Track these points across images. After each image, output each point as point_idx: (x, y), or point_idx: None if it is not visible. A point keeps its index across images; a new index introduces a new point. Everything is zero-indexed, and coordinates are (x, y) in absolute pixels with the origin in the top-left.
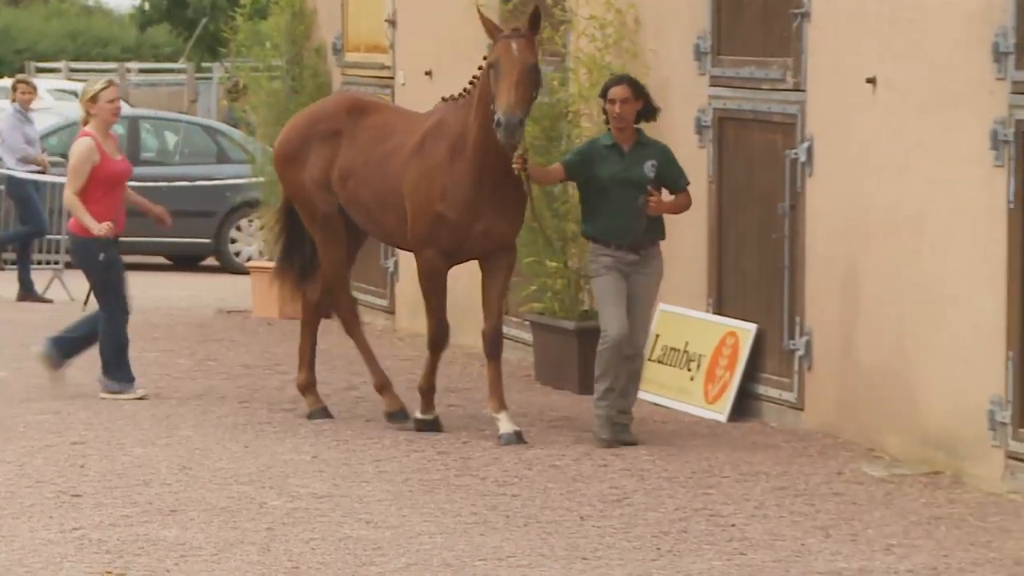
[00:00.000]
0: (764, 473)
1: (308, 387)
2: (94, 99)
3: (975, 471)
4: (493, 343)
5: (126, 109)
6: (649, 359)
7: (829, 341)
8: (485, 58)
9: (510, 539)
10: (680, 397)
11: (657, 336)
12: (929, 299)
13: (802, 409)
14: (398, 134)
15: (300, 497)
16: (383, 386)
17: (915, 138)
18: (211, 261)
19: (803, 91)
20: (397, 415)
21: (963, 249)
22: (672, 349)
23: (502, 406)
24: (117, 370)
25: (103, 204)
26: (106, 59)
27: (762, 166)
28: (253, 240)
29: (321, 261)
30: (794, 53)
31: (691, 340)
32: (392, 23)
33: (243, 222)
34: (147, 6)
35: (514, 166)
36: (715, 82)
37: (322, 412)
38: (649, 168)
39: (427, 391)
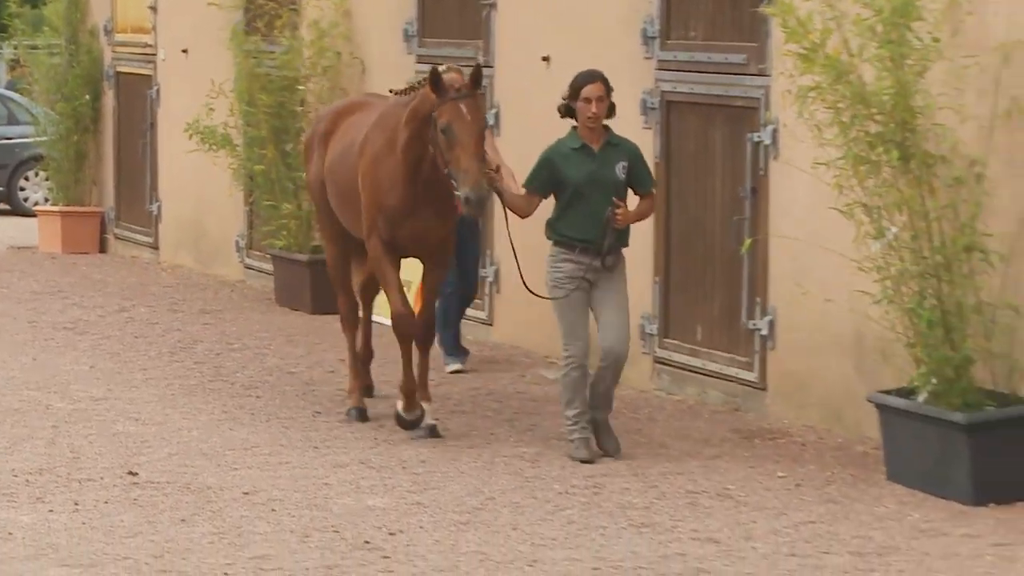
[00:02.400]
0: (459, 378)
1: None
2: None
3: (630, 373)
4: (424, 333)
5: None
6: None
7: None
8: (401, 91)
9: (255, 432)
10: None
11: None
12: None
13: (492, 325)
14: (358, 131)
15: (80, 400)
16: (353, 390)
17: None
18: (3, 206)
19: (492, 67)
20: (352, 412)
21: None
22: None
23: (425, 398)
24: None
25: None
26: None
27: None
28: (39, 188)
29: (326, 256)
30: (484, 36)
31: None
32: (154, 9)
33: (30, 173)
34: None
35: (490, 185)
36: (420, 59)
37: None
38: (620, 170)
39: (407, 388)
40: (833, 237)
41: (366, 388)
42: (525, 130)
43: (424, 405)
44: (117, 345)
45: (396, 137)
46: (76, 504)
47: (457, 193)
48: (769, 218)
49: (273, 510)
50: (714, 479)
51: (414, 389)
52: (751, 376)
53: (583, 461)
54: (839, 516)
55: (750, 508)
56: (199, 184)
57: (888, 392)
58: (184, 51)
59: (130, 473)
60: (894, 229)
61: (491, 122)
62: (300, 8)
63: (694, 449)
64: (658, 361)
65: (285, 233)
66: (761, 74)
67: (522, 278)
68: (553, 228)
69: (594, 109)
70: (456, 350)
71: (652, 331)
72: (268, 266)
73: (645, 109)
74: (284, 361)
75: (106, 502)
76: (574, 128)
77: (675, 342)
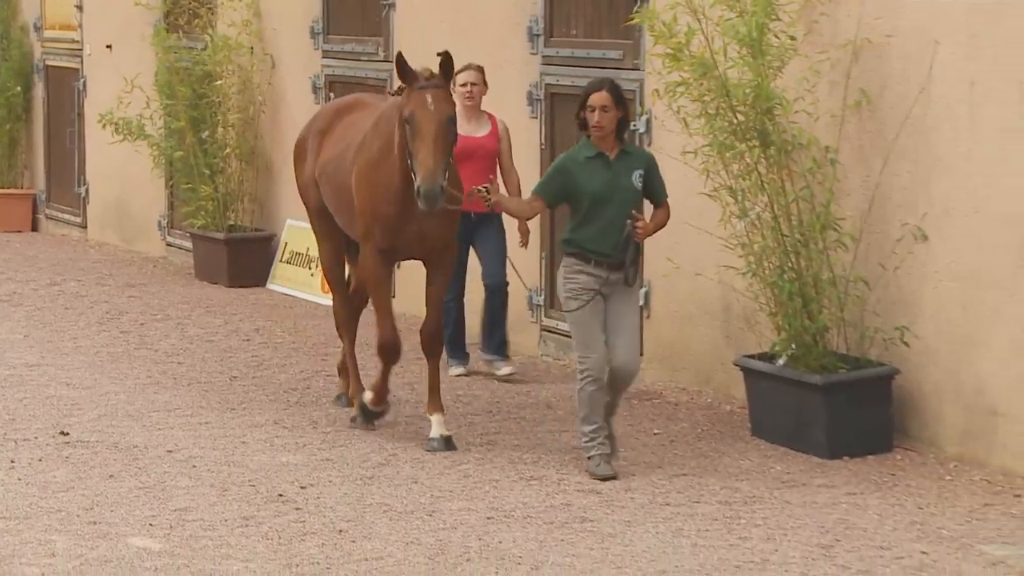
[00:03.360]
0: (363, 344)
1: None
2: None
3: (519, 340)
4: (431, 342)
5: None
6: (280, 260)
7: None
8: (397, 92)
9: (177, 395)
10: (303, 289)
11: (286, 243)
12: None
13: (393, 296)
14: (356, 131)
15: (15, 367)
16: (355, 394)
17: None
18: None
19: (391, 62)
20: (340, 396)
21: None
22: (297, 253)
23: (437, 408)
24: None
25: None
26: None
27: None
28: None
29: (319, 255)
30: (385, 34)
31: (311, 247)
32: (80, 8)
33: None
34: None
35: (485, 205)
36: (326, 55)
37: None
38: (637, 179)
39: (379, 388)
40: (702, 217)
41: (344, 393)
42: None
43: (435, 417)
44: (49, 316)
45: (390, 139)
46: (12, 462)
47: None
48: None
49: (194, 466)
50: None
51: (385, 390)
52: None
53: (604, 478)
54: (709, 469)
55: (629, 462)
56: (123, 169)
57: (752, 357)
58: (108, 46)
59: (62, 433)
60: (757, 210)
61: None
62: (216, 8)
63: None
64: (544, 329)
65: (203, 213)
66: (636, 68)
67: (523, 282)
68: (568, 239)
69: (596, 118)
70: (458, 353)
71: (539, 302)
72: (188, 244)
73: (531, 100)
74: (203, 330)
75: (40, 460)
76: (587, 136)
77: (560, 312)
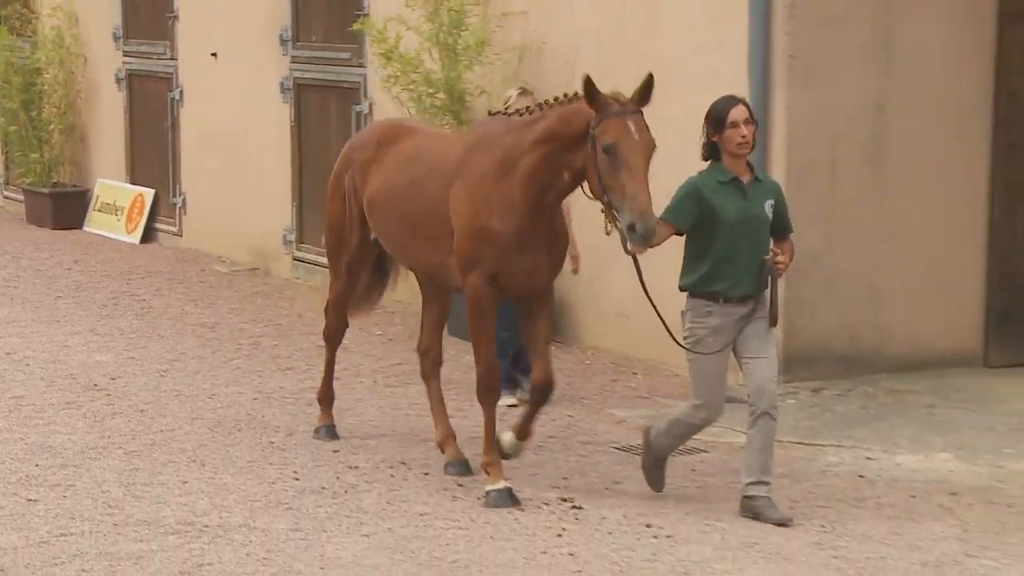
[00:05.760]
0: (159, 272)
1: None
2: None
3: (276, 267)
4: (544, 391)
5: None
6: (94, 210)
7: (195, 197)
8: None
9: (13, 311)
10: (112, 231)
11: (98, 196)
12: (242, 176)
13: (180, 236)
14: (431, 156)
15: None
16: (323, 399)
17: (248, 88)
18: None
19: (176, 60)
20: (322, 431)
21: (272, 150)
22: (107, 203)
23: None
24: None
25: None
26: None
27: (158, 102)
28: None
29: (331, 286)
30: (171, 38)
31: (117, 198)
32: None
33: None
34: None
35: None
36: (126, 54)
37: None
38: (768, 208)
39: (492, 461)
40: None
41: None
42: (201, 102)
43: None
44: None
45: (510, 159)
46: None
47: (618, 224)
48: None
49: (28, 364)
50: None
51: (497, 462)
52: None
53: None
54: (417, 359)
55: (360, 356)
56: None
57: None
58: None
59: None
60: None
61: (177, 97)
62: (39, 14)
63: (319, 317)
64: (296, 259)
65: (32, 174)
66: (361, 66)
67: (671, 334)
68: (693, 275)
69: (744, 132)
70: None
71: (291, 239)
72: (20, 197)
73: (283, 90)
74: (33, 262)
75: None
76: (715, 161)
77: (307, 245)
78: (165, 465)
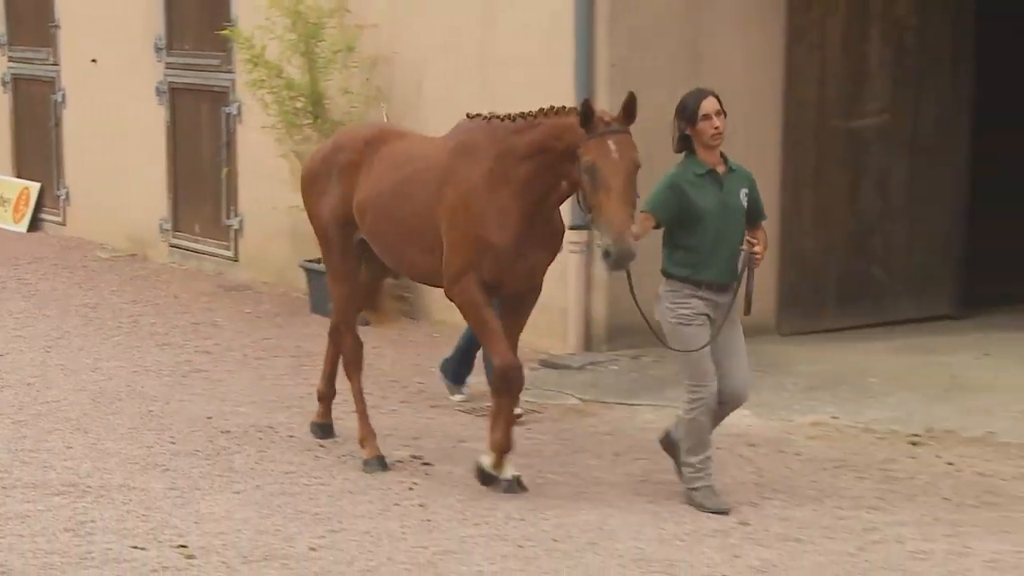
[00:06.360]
0: (44, 258)
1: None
2: None
3: (154, 253)
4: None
5: None
6: None
7: (78, 190)
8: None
9: None
10: (0, 221)
11: None
12: (121, 171)
13: (64, 225)
14: (416, 160)
15: None
16: (364, 438)
17: (126, 91)
18: None
19: (58, 65)
20: (372, 463)
21: (148, 146)
22: None
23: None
24: None
25: None
26: None
27: (42, 104)
28: None
29: (331, 295)
30: (53, 45)
31: (4, 191)
32: None
33: None
34: None
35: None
36: (11, 60)
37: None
38: (743, 197)
39: (501, 448)
40: (278, 171)
41: (327, 420)
42: (85, 106)
43: (504, 463)
44: None
45: (502, 169)
46: None
47: (598, 244)
48: (238, 157)
49: None
50: (210, 315)
51: (508, 448)
52: (229, 253)
53: (715, 511)
54: (283, 335)
55: (231, 332)
56: None
57: (310, 260)
58: None
59: None
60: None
61: (59, 100)
62: None
63: (193, 297)
64: (172, 246)
65: None
66: (229, 71)
67: (661, 340)
68: (675, 262)
69: (716, 123)
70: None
71: (167, 227)
72: None
73: (159, 93)
74: None
75: None
76: (689, 153)
77: (182, 233)
78: (50, 433)
